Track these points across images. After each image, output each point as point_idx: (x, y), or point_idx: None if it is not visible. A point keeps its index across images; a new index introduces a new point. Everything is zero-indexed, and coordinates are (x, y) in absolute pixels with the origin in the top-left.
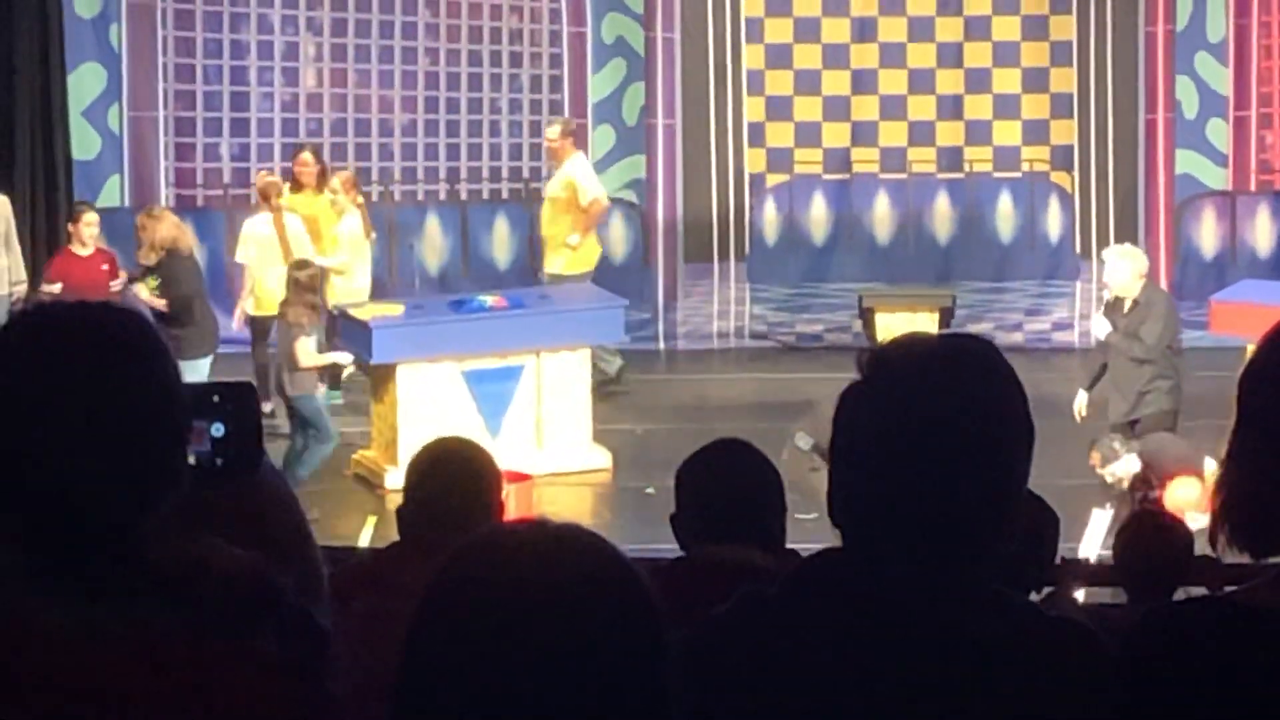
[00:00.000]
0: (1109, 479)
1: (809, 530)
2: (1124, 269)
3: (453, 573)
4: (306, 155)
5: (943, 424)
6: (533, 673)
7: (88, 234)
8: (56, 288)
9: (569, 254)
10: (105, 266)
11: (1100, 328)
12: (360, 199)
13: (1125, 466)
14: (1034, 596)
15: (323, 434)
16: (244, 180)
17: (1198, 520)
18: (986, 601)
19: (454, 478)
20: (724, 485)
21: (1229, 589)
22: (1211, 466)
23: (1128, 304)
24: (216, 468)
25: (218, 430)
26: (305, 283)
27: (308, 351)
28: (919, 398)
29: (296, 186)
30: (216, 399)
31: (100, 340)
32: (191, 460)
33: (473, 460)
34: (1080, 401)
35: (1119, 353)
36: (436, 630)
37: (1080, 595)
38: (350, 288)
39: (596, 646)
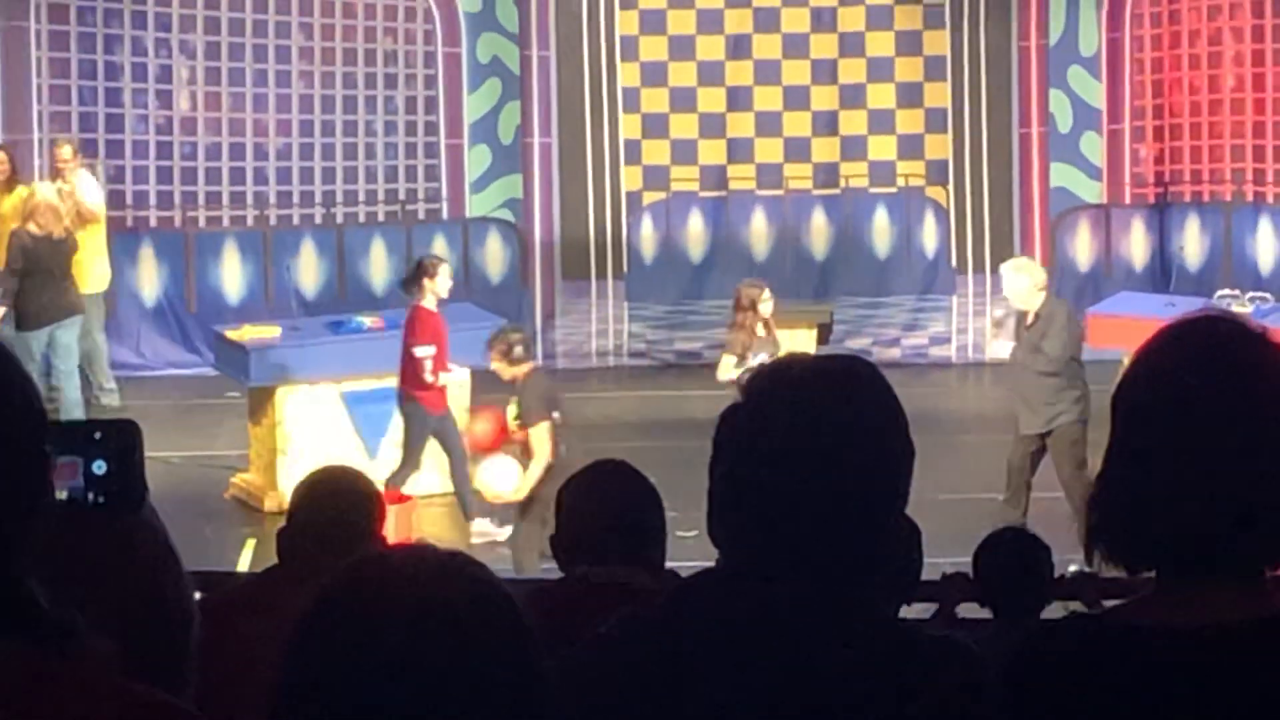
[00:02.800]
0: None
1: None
2: (1021, 282)
3: (330, 598)
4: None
5: (821, 444)
6: (408, 698)
7: None
8: None
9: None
10: None
11: (1001, 349)
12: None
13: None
14: (915, 612)
15: None
16: (120, 202)
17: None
18: (866, 620)
19: (335, 503)
20: (603, 507)
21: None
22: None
23: (1030, 317)
24: (97, 505)
25: (99, 467)
26: None
27: None
28: (798, 418)
29: None
30: (98, 435)
31: None
32: (65, 496)
33: (354, 486)
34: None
35: (1024, 367)
36: (312, 655)
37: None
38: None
39: (471, 672)
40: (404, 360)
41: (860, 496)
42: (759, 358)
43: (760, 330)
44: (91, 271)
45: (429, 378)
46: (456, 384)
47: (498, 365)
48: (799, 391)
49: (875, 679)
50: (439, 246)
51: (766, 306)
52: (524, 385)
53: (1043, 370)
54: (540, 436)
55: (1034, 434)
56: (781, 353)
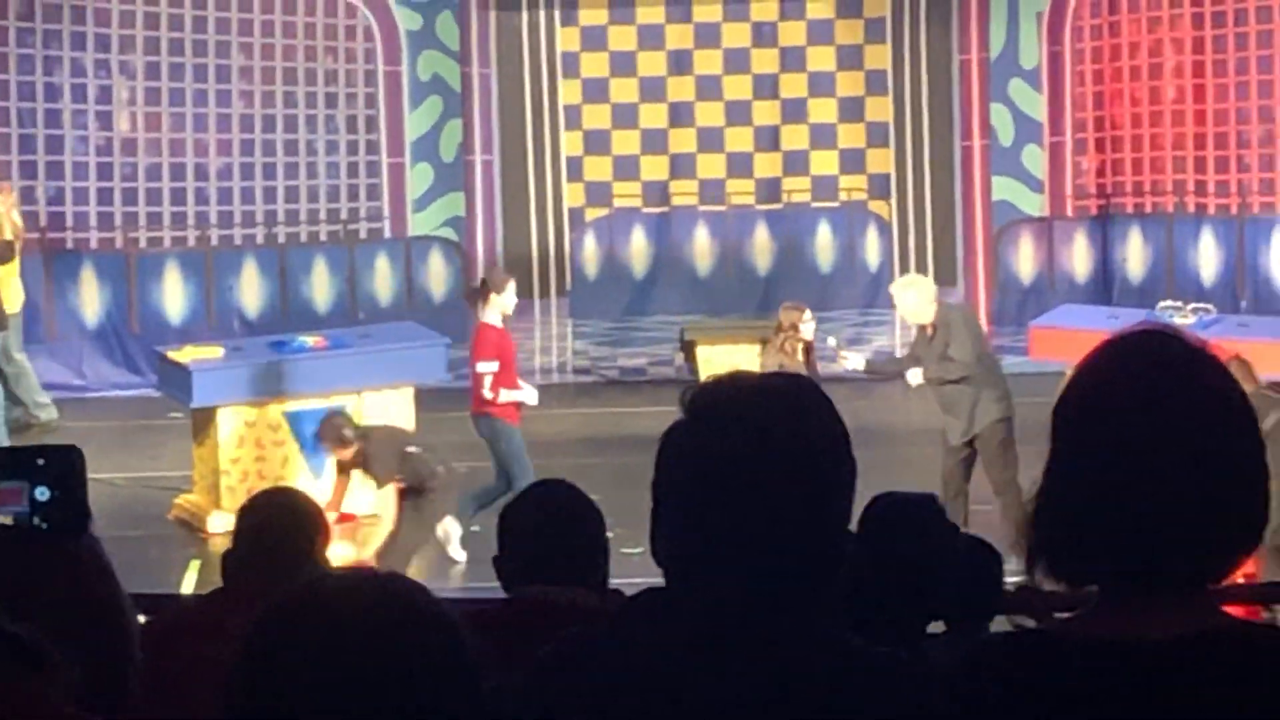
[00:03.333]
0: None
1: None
2: (910, 299)
3: (272, 620)
4: None
5: (763, 462)
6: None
7: None
8: None
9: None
10: None
11: (914, 377)
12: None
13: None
14: None
15: None
16: (60, 224)
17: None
18: (811, 638)
19: (278, 525)
20: (546, 527)
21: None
22: None
23: (929, 330)
24: (41, 529)
25: (42, 494)
26: None
27: None
28: (739, 436)
29: None
30: (41, 462)
31: None
32: (10, 520)
33: (297, 508)
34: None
35: (939, 380)
36: (255, 677)
37: None
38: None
39: (413, 695)
40: (472, 379)
41: (803, 514)
42: None
43: (800, 354)
44: (10, 292)
45: (488, 394)
46: (528, 401)
47: (336, 454)
48: (740, 409)
49: (820, 697)
50: (381, 266)
51: (808, 329)
52: (366, 457)
53: (958, 377)
54: (386, 499)
55: (962, 442)
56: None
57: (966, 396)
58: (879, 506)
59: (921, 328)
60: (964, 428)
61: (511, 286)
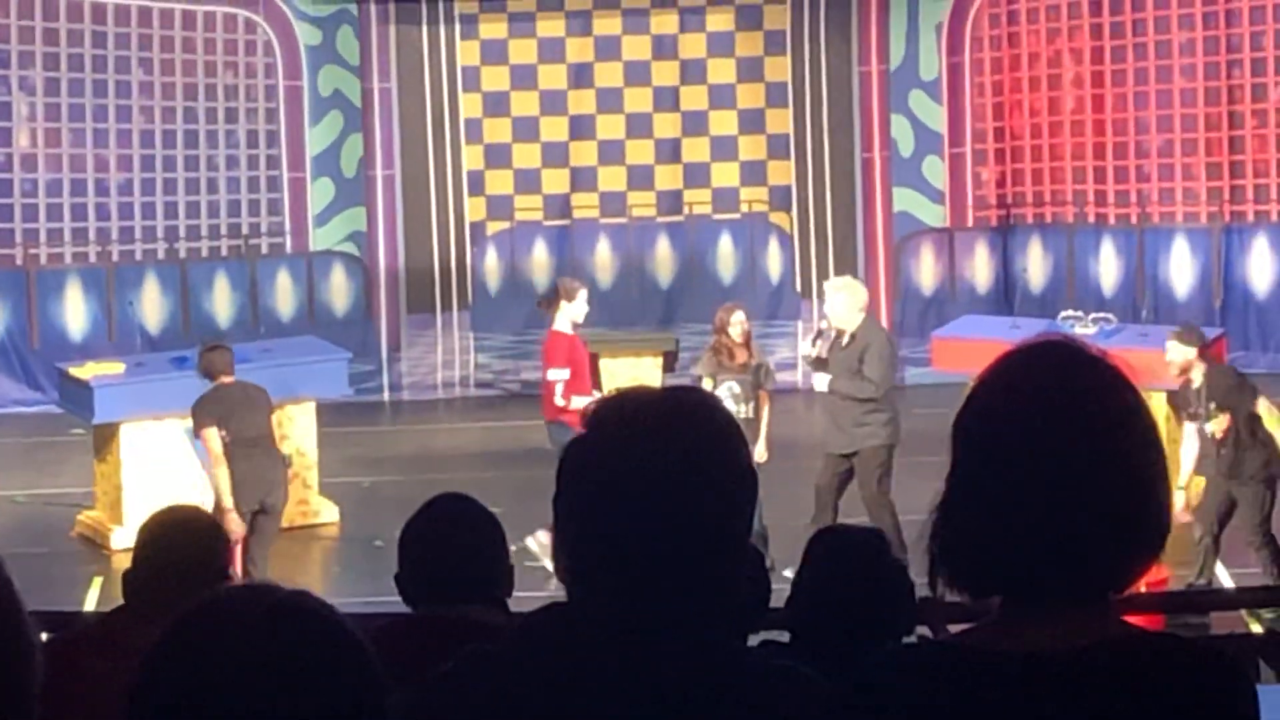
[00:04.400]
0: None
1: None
2: (842, 302)
3: (173, 636)
4: None
5: (663, 477)
6: None
7: None
8: None
9: None
10: None
11: (821, 383)
12: None
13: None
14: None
15: None
16: None
17: None
18: (711, 651)
19: (180, 542)
20: (446, 543)
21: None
22: None
23: (846, 337)
24: None
25: None
26: None
27: None
28: (639, 451)
29: None
30: None
31: None
32: None
33: (199, 525)
34: None
35: (846, 396)
36: (156, 693)
37: None
38: None
39: (314, 710)
40: (543, 386)
41: (703, 528)
42: (726, 384)
43: (741, 355)
44: None
45: (560, 401)
46: None
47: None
48: (639, 424)
49: (719, 711)
50: (283, 280)
51: (736, 330)
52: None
53: (867, 397)
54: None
55: (840, 454)
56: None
57: (856, 412)
58: (825, 541)
59: (839, 332)
60: (846, 441)
61: (583, 295)
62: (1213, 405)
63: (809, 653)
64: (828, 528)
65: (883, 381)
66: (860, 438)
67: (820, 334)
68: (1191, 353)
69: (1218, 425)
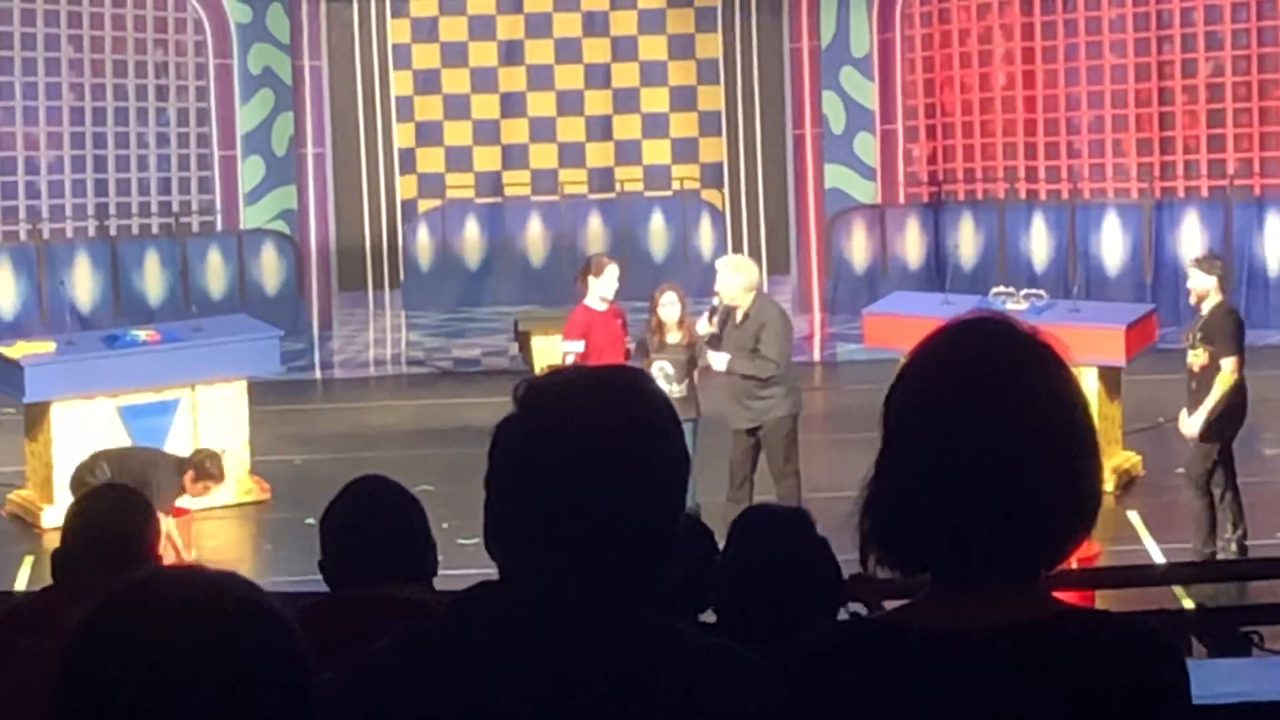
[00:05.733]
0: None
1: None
2: (734, 280)
3: (100, 616)
4: None
5: (593, 454)
6: (178, 715)
7: None
8: None
9: None
10: None
11: (718, 360)
12: None
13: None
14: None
15: None
16: None
17: None
18: (645, 630)
19: (108, 521)
20: (366, 526)
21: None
22: None
23: (739, 315)
24: None
25: None
26: None
27: None
28: (569, 429)
29: None
30: None
31: None
32: None
33: (127, 504)
34: None
35: (746, 375)
36: (84, 672)
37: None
38: None
39: (241, 690)
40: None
41: (634, 505)
42: (658, 364)
43: (676, 336)
44: None
45: None
46: None
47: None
48: (569, 402)
49: (653, 689)
50: (213, 259)
51: (665, 311)
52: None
53: (767, 376)
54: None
55: (744, 429)
56: (708, 360)
57: (752, 385)
58: (749, 519)
59: (732, 310)
60: (749, 416)
61: (611, 271)
62: (1200, 336)
63: (736, 634)
64: (752, 507)
65: (782, 358)
66: (762, 411)
67: (713, 310)
68: (1211, 281)
69: (1196, 358)
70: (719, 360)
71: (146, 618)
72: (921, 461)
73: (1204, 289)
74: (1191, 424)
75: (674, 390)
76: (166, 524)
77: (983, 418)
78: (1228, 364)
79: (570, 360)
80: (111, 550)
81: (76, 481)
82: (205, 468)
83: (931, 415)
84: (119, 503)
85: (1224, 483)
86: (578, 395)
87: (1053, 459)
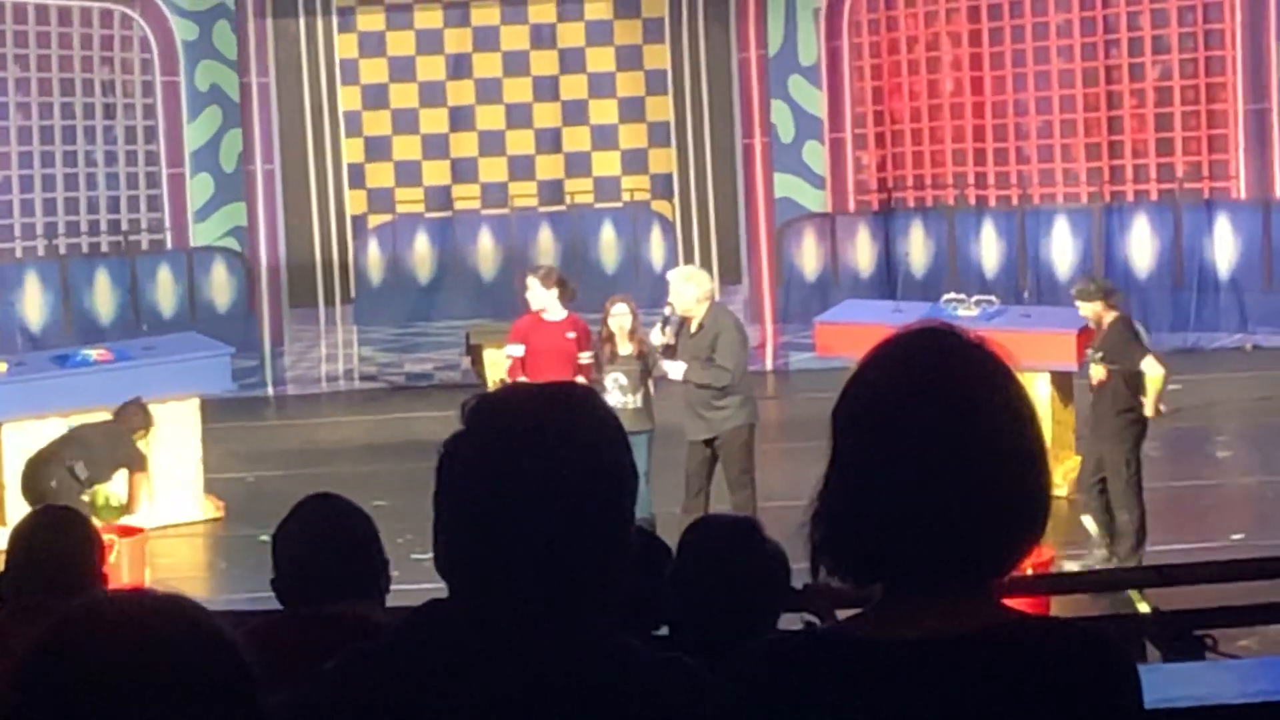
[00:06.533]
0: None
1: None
2: (687, 291)
3: (50, 641)
4: None
5: (541, 471)
6: None
7: None
8: None
9: None
10: None
11: (674, 370)
12: None
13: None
14: None
15: None
16: None
17: None
18: (592, 645)
19: (54, 543)
20: (318, 544)
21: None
22: None
23: (694, 325)
24: None
25: None
26: None
27: None
28: (519, 446)
29: None
30: None
31: None
32: None
33: (74, 526)
34: None
35: (702, 385)
36: (33, 697)
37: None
38: None
39: (190, 715)
40: None
41: (581, 523)
42: (611, 375)
43: (627, 347)
44: None
45: (504, 376)
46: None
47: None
48: (515, 418)
49: (603, 704)
50: (164, 277)
51: (615, 321)
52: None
53: (723, 385)
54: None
55: (701, 440)
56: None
57: (711, 397)
58: (698, 530)
59: (686, 320)
60: (705, 427)
61: (532, 281)
62: (1100, 354)
63: (688, 646)
64: (701, 518)
65: (737, 368)
66: (718, 422)
67: (666, 320)
68: (1096, 306)
69: (1094, 373)
70: (675, 369)
71: (92, 643)
72: (870, 472)
73: (1094, 314)
74: (1111, 430)
75: (629, 402)
76: (139, 480)
77: (930, 427)
78: (1148, 365)
79: (508, 363)
80: (56, 573)
81: (34, 483)
82: (142, 418)
83: (879, 426)
84: (63, 525)
85: (1114, 494)
86: (523, 412)
87: (1000, 467)
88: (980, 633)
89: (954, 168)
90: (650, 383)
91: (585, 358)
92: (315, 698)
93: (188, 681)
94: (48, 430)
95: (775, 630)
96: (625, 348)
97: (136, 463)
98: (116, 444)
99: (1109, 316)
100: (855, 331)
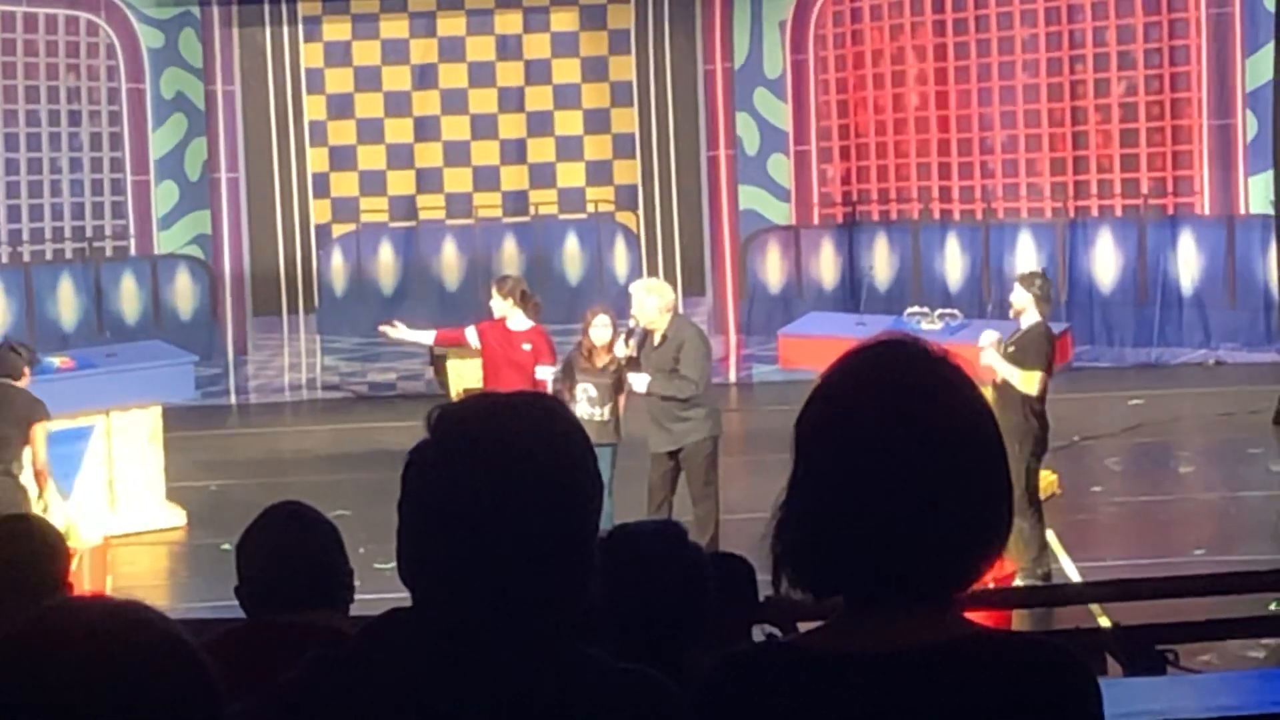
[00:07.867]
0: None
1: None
2: (650, 304)
3: (8, 649)
4: None
5: (506, 482)
6: None
7: None
8: None
9: None
10: None
11: (638, 382)
12: None
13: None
14: None
15: None
16: None
17: None
18: (555, 656)
19: (16, 551)
20: (282, 553)
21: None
22: None
23: (657, 337)
24: None
25: None
26: None
27: None
28: (481, 454)
29: None
30: None
31: None
32: None
33: (36, 534)
34: None
35: (665, 396)
36: None
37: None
38: None
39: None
40: None
41: (545, 534)
42: (581, 386)
43: (603, 359)
44: None
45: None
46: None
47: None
48: (480, 428)
49: (562, 715)
50: (128, 284)
51: (596, 333)
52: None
53: (687, 396)
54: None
55: (664, 452)
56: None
57: (673, 408)
58: (615, 538)
59: (649, 333)
60: (669, 439)
61: (495, 291)
62: (1011, 351)
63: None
64: (617, 526)
65: (701, 379)
66: (683, 434)
67: (630, 333)
68: (1027, 298)
69: (990, 361)
70: (639, 382)
71: (50, 652)
72: (831, 485)
73: (1020, 305)
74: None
75: (596, 414)
76: (39, 430)
77: (893, 440)
78: (1031, 378)
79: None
80: (19, 582)
81: None
82: (14, 359)
83: (840, 438)
84: (26, 534)
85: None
86: (489, 421)
87: (962, 480)
88: (942, 646)
89: (918, 181)
90: (620, 398)
91: (542, 371)
92: (275, 708)
93: (149, 690)
94: None
95: (704, 639)
96: (600, 360)
97: (36, 411)
98: (8, 403)
99: (1033, 316)
100: (818, 344)
